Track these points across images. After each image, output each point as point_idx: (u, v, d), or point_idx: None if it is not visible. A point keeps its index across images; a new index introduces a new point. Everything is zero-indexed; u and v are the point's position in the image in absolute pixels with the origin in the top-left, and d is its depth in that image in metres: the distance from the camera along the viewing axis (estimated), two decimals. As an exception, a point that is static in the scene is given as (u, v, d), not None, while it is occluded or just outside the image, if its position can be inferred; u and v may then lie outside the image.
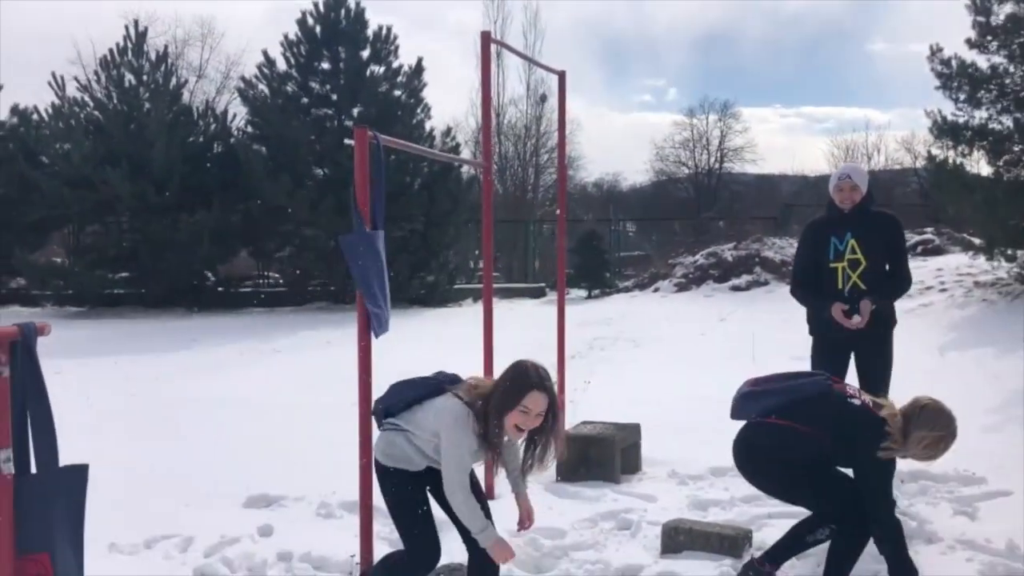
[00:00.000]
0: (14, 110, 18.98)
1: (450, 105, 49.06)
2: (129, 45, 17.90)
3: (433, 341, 12.16)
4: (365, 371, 3.71)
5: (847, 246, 4.77)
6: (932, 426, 3.55)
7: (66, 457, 2.17)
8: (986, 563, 4.01)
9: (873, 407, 3.66)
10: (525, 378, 3.10)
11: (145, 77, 18.02)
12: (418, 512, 3.33)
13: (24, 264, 17.43)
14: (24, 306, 18.24)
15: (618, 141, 56.90)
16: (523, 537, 4.48)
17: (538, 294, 19.10)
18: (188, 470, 5.90)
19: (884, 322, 4.86)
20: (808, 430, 3.64)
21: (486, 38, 4.87)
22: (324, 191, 16.24)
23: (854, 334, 4.72)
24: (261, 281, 20.32)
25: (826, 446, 3.63)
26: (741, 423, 3.90)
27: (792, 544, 3.83)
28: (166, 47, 19.14)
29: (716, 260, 17.10)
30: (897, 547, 3.58)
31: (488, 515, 3.28)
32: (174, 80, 18.79)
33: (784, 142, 60.43)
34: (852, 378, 4.74)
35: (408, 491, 3.31)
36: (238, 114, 19.46)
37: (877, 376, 4.79)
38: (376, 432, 3.56)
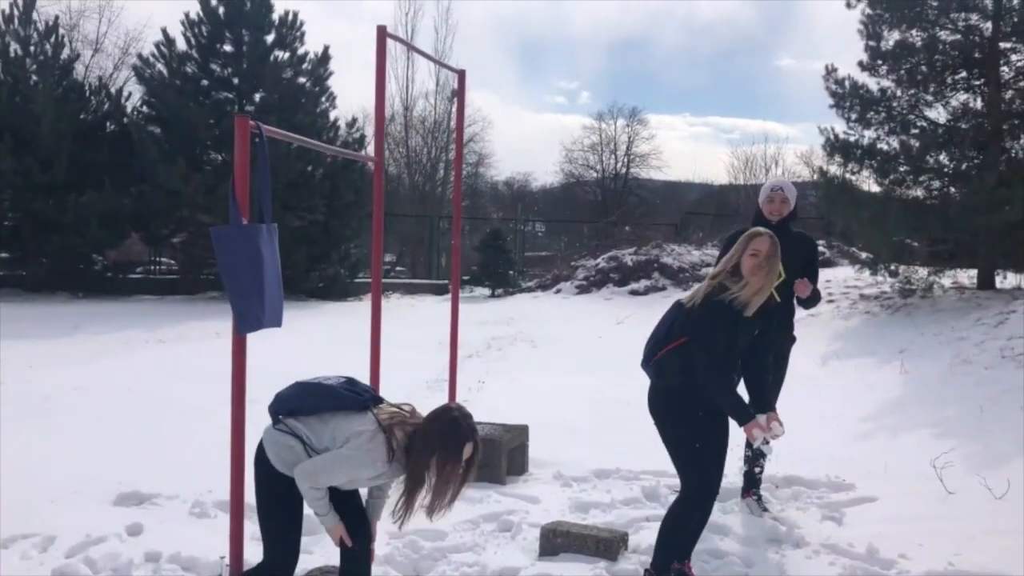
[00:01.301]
0: None
1: (360, 96, 48.41)
2: (16, 13, 17.01)
3: (326, 335, 11.96)
4: (239, 368, 3.58)
5: None
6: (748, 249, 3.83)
7: None
8: (847, 567, 4.16)
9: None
10: (458, 433, 3.10)
11: (33, 47, 17.15)
12: (290, 519, 3.24)
13: None
14: None
15: (530, 141, 57.37)
16: (403, 539, 4.45)
17: (442, 291, 19.03)
18: (56, 464, 5.63)
19: (789, 338, 5.10)
20: (678, 342, 3.85)
21: (381, 32, 4.80)
22: (222, 177, 15.79)
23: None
24: (152, 268, 19.62)
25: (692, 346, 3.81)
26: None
27: (683, 536, 3.94)
28: (56, 18, 18.23)
29: (617, 264, 17.36)
30: (723, 394, 3.73)
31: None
32: (65, 53, 17.96)
33: (691, 150, 61.91)
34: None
35: (287, 498, 3.20)
36: (134, 93, 18.76)
37: (775, 386, 4.95)
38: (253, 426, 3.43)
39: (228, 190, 3.70)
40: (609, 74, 65.80)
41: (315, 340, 11.31)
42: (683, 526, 3.86)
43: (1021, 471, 5.45)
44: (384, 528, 4.55)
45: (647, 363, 4.02)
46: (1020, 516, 4.73)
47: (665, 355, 3.89)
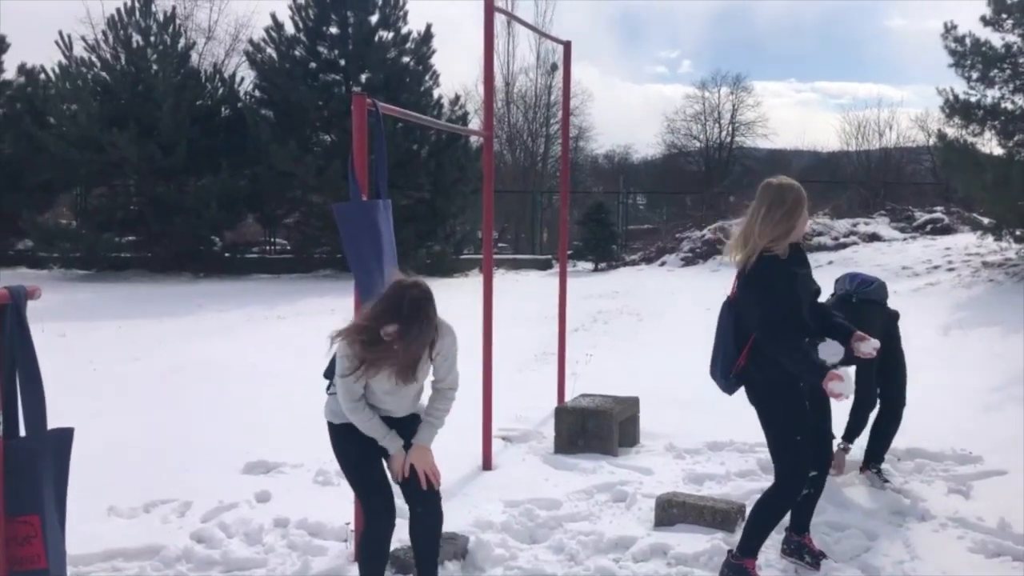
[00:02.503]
0: (21, 69, 18.85)
1: (461, 73, 48.71)
2: (137, 5, 17.80)
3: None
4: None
5: None
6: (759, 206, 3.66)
7: (69, 420, 2.19)
8: (977, 541, 4.02)
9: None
10: (397, 306, 3.09)
11: (153, 38, 17.92)
12: (369, 466, 3.34)
13: (31, 225, 17.41)
14: (31, 268, 18.28)
15: (630, 112, 56.36)
16: (519, 507, 4.53)
17: (545, 266, 19.06)
18: (188, 435, 5.95)
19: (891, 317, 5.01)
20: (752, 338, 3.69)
21: (489, 5, 4.84)
22: (331, 157, 16.18)
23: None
24: (268, 247, 20.33)
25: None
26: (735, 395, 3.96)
27: (801, 508, 3.89)
28: (174, 8, 18.99)
29: (724, 235, 17.01)
30: (789, 352, 3.58)
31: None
32: (182, 42, 18.71)
33: (798, 117, 59.67)
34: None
35: (358, 446, 3.31)
36: (246, 78, 19.41)
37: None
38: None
39: (345, 168, 3.84)
40: (711, 41, 64.00)
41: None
42: (776, 513, 3.76)
43: None
44: (500, 497, 4.67)
45: (723, 375, 3.84)
46: None
47: (748, 356, 3.71)
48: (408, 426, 3.37)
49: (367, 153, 3.82)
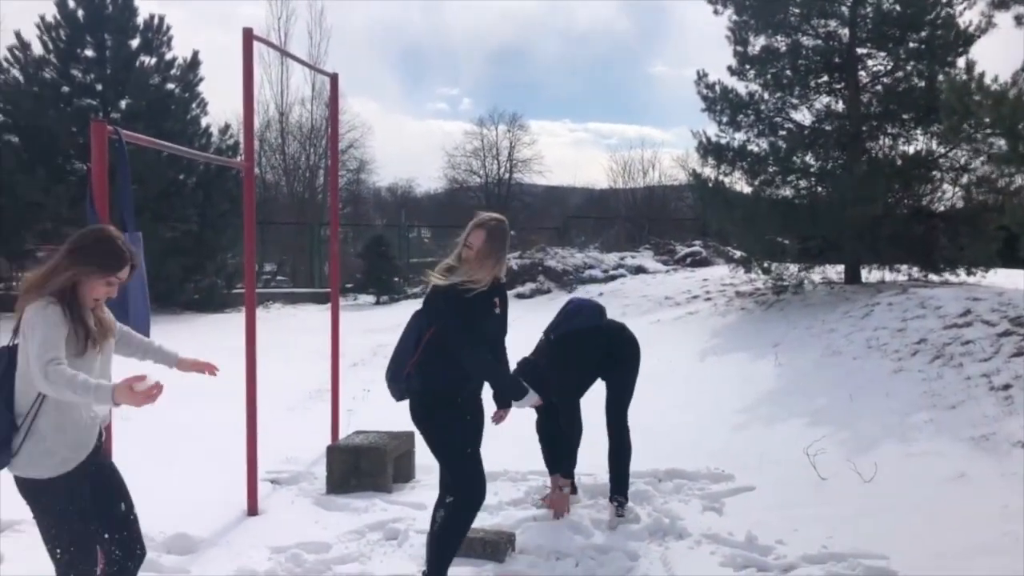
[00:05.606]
0: None
1: (235, 101, 47.09)
2: None
3: (201, 348, 11.49)
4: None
5: None
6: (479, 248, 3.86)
7: None
8: (727, 555, 4.26)
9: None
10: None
11: None
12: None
13: None
14: None
15: (413, 147, 57.11)
16: (285, 553, 4.32)
17: (324, 300, 18.64)
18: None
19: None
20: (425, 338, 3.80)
21: (248, 35, 4.66)
22: (87, 187, 15.04)
23: (609, 357, 4.99)
24: (14, 284, 18.51)
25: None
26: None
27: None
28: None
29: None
30: (490, 375, 3.79)
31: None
32: (-90, 59, 16.81)
33: (572, 155, 62.82)
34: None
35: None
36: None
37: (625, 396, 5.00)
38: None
39: (87, 199, 3.57)
40: (490, 81, 66.33)
41: (189, 353, 10.85)
42: (460, 533, 3.80)
43: (888, 455, 5.72)
44: (266, 544, 4.43)
45: (394, 378, 3.87)
46: (888, 498, 4.95)
47: (419, 359, 3.77)
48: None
49: (108, 183, 3.53)
